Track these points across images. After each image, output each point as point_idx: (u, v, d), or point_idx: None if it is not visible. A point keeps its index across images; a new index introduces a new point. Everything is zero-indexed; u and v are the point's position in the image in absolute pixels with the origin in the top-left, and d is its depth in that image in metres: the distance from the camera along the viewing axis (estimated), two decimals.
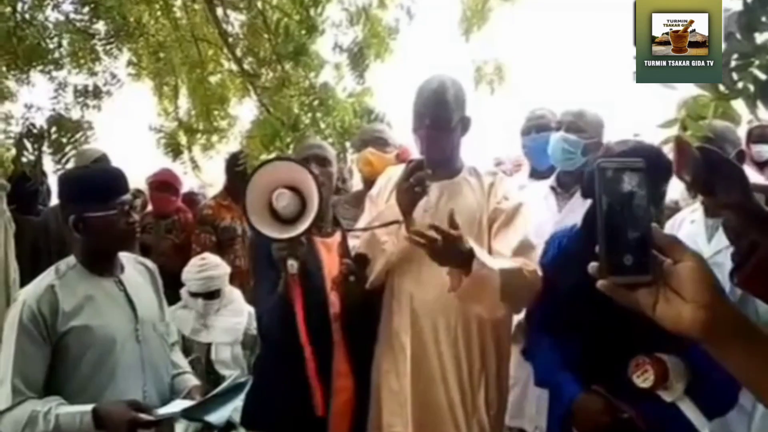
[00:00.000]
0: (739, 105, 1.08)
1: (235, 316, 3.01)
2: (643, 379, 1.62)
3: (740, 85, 0.97)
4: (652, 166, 1.80)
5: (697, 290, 0.72)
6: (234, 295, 3.08)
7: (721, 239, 1.97)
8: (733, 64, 0.96)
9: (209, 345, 2.95)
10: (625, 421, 1.74)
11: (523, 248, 1.94)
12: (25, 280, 3.06)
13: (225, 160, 4.06)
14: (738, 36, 0.94)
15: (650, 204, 0.75)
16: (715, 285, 0.73)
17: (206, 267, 2.98)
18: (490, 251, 1.98)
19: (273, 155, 3.54)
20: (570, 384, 1.85)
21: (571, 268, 1.83)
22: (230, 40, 4.42)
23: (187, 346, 2.87)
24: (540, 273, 1.92)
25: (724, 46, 0.95)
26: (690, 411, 1.64)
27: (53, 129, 3.89)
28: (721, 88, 0.97)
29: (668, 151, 1.65)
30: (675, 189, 2.66)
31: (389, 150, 2.84)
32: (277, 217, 1.90)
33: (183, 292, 3.03)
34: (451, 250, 1.75)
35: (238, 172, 3.72)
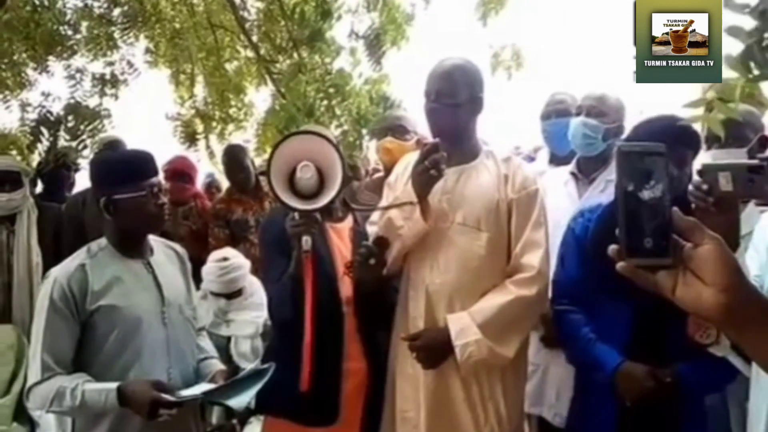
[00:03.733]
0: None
1: (256, 310, 2.97)
2: (706, 336, 1.69)
3: None
4: (680, 138, 1.79)
5: (718, 273, 0.71)
6: (254, 287, 3.02)
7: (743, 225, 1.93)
8: (765, 42, 0.94)
9: (229, 337, 2.94)
10: (666, 387, 1.80)
11: (527, 246, 1.96)
12: (47, 265, 3.11)
13: (221, 157, 4.08)
14: None
15: (670, 187, 0.75)
16: (736, 269, 0.72)
17: (228, 270, 2.91)
18: (509, 239, 1.98)
19: None
20: (610, 354, 1.88)
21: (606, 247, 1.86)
22: (247, 26, 4.42)
23: None
24: (542, 280, 1.96)
25: (755, 23, 0.93)
26: (738, 362, 1.71)
27: (70, 117, 3.93)
28: (753, 67, 0.95)
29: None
30: None
31: (409, 137, 2.83)
32: (296, 193, 1.90)
33: (204, 286, 2.99)
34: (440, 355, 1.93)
35: (236, 166, 3.81)
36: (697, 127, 1.64)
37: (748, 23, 0.95)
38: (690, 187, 1.70)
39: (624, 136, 2.37)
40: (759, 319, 0.73)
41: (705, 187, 1.64)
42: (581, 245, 2.01)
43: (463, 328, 1.91)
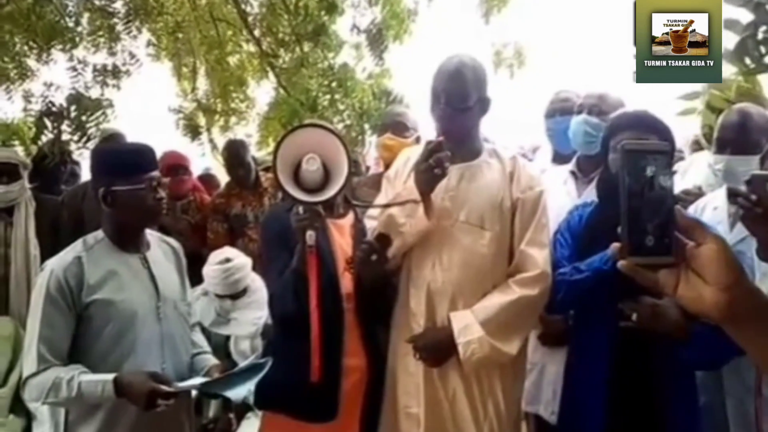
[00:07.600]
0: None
1: (259, 309, 2.91)
2: None
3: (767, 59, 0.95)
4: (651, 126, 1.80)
5: (719, 273, 0.71)
6: (257, 284, 2.95)
7: (743, 227, 1.93)
8: (760, 36, 0.93)
9: (228, 335, 2.92)
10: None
11: (531, 245, 1.97)
12: (45, 257, 3.11)
13: (222, 152, 4.07)
14: (767, 7, 0.91)
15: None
16: (737, 268, 0.72)
17: (232, 271, 2.86)
18: (511, 237, 1.99)
19: None
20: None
21: (595, 239, 1.87)
22: (249, 20, 4.41)
23: (204, 335, 2.81)
24: (545, 279, 1.95)
25: (751, 17, 0.92)
26: None
27: (73, 107, 3.91)
28: (748, 61, 0.94)
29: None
30: (699, 174, 2.61)
31: (408, 134, 2.83)
32: (300, 185, 1.90)
33: (207, 288, 2.95)
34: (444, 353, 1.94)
35: (236, 161, 3.82)
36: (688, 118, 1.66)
37: (745, 17, 0.95)
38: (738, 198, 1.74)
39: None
40: (759, 318, 0.73)
41: (754, 197, 1.67)
42: (574, 233, 2.03)
43: (466, 325, 1.91)
